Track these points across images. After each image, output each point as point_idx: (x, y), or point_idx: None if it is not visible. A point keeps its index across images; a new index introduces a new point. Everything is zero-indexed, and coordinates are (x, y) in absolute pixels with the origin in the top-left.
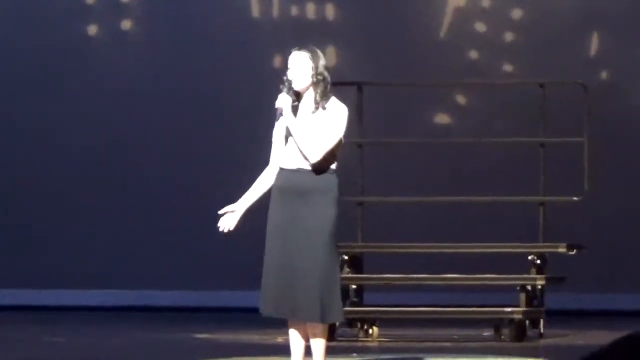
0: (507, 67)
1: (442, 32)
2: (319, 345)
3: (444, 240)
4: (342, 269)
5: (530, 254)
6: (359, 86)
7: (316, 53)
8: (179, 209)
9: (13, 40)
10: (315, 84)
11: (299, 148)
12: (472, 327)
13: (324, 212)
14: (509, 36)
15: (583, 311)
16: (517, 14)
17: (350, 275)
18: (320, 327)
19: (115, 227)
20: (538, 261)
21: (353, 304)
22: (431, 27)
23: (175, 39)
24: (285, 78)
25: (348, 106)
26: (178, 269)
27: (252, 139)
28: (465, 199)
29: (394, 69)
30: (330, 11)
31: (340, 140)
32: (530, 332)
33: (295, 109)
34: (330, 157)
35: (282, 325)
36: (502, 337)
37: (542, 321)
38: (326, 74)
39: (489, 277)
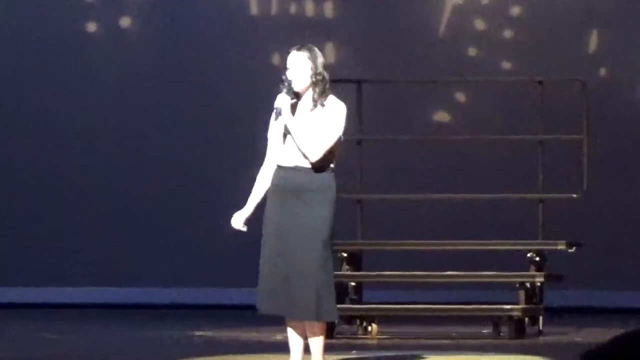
0: (506, 64)
1: (441, 29)
2: (317, 343)
3: (443, 238)
4: (341, 266)
5: (530, 251)
6: (358, 83)
7: (315, 52)
8: (178, 206)
9: (12, 37)
10: (314, 84)
11: (298, 147)
12: (471, 324)
13: (321, 211)
14: (507, 33)
15: (582, 308)
16: (515, 11)
17: (349, 272)
18: (318, 325)
19: (115, 224)
20: (537, 258)
21: (352, 302)
22: (430, 24)
23: (174, 36)
24: (284, 78)
25: (347, 103)
26: (177, 266)
27: (251, 137)
28: (464, 197)
29: (392, 66)
30: (328, 8)
31: (340, 139)
32: (529, 330)
33: (293, 108)
34: (329, 155)
35: (280, 322)
36: (501, 334)
37: (541, 318)
38: (325, 73)
39: (488, 275)
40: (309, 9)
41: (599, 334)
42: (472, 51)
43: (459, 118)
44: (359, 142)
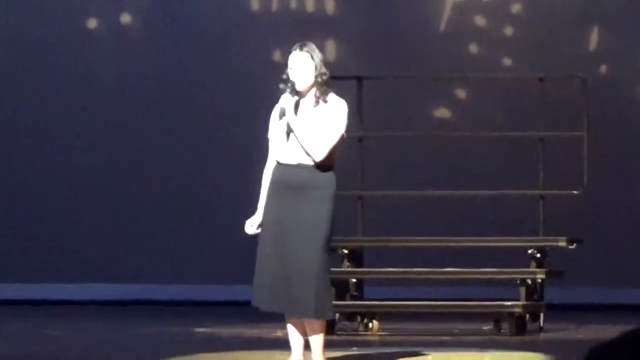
0: (507, 61)
1: (442, 26)
2: (317, 340)
3: (444, 234)
4: (342, 263)
5: (530, 247)
6: (359, 80)
7: (315, 51)
8: (178, 204)
9: (12, 34)
10: (317, 83)
11: (303, 147)
12: (472, 321)
13: (321, 209)
14: (508, 30)
15: (583, 305)
16: (516, 7)
17: (350, 269)
18: (318, 323)
19: (115, 221)
20: (538, 255)
21: (353, 298)
22: (431, 21)
23: (174, 32)
24: (285, 77)
25: (348, 100)
26: (177, 263)
27: (252, 134)
28: (465, 193)
29: (393, 63)
30: (329, 5)
31: (343, 136)
32: (530, 326)
33: (296, 107)
34: (331, 153)
35: (281, 319)
36: (502, 331)
37: (542, 315)
38: (325, 70)
39: (489, 271)
40: (310, 5)
41: (600, 331)
42: (472, 48)
43: (460, 115)
44: (360, 139)
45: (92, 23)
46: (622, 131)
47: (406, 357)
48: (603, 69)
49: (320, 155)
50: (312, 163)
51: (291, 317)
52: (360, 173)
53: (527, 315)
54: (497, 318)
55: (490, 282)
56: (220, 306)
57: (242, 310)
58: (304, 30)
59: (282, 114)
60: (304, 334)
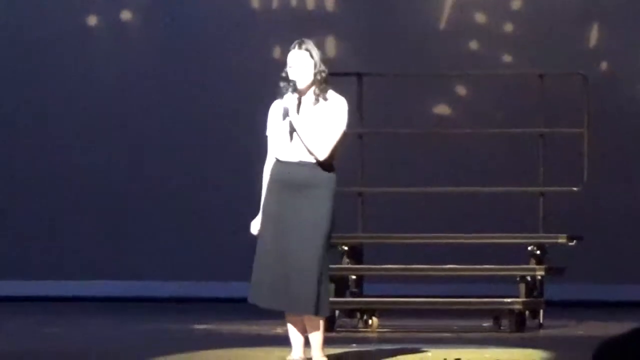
0: (507, 58)
1: (442, 23)
2: (317, 337)
3: (444, 231)
4: (341, 259)
5: (530, 244)
6: (359, 77)
7: (314, 49)
8: (178, 202)
9: (12, 31)
10: (317, 80)
11: (306, 147)
12: (471, 317)
13: (321, 206)
14: (508, 27)
15: (583, 302)
16: (516, 4)
17: (350, 265)
18: (318, 320)
19: (115, 219)
20: (538, 252)
21: (353, 295)
22: (431, 18)
23: (174, 31)
24: (284, 75)
25: (348, 97)
26: (177, 260)
27: (252, 131)
28: (465, 190)
29: (393, 60)
30: (329, 1)
31: (344, 134)
32: (529, 323)
33: (298, 106)
34: (333, 151)
35: (280, 316)
36: (502, 327)
37: (541, 312)
38: (324, 67)
39: (488, 268)
40: (310, 3)
41: (600, 328)
42: (473, 45)
43: (460, 111)
44: (360, 136)
45: (92, 21)
46: (622, 128)
47: (406, 354)
48: (603, 65)
49: (323, 154)
50: (313, 160)
51: (291, 315)
52: (361, 170)
53: (527, 312)
54: (496, 315)
55: (490, 279)
56: (219, 303)
57: (242, 308)
58: (304, 27)
59: (286, 114)
60: (304, 332)
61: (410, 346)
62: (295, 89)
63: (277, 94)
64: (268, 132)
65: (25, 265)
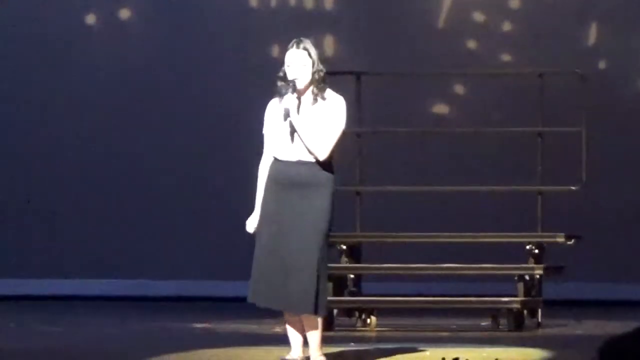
0: (506, 57)
1: (441, 22)
2: (315, 335)
3: (442, 230)
4: (340, 258)
5: (529, 243)
6: (358, 76)
7: (312, 48)
8: (178, 199)
9: (11, 30)
10: (315, 80)
11: (307, 148)
12: (470, 316)
13: (320, 204)
14: (507, 26)
15: (581, 301)
16: (515, 3)
17: (348, 264)
18: (316, 319)
19: (115, 218)
20: (536, 251)
21: (351, 294)
22: (429, 17)
23: (173, 28)
24: (282, 74)
25: (346, 96)
26: (177, 259)
27: (252, 130)
28: (463, 189)
29: (392, 59)
30: (328, 1)
31: (342, 133)
32: (528, 322)
33: (297, 106)
34: (332, 151)
35: (280, 315)
36: (500, 326)
37: (540, 311)
38: (322, 66)
39: (487, 267)
40: (309, 2)
41: (598, 327)
42: (471, 44)
43: (458, 111)
44: (358, 135)
45: (90, 19)
46: (620, 127)
47: (404, 353)
48: (602, 64)
49: (324, 154)
50: (312, 160)
51: (289, 314)
52: (359, 169)
53: (525, 311)
54: (495, 314)
55: (488, 278)
56: (219, 302)
57: (241, 306)
58: (302, 26)
59: (287, 114)
60: (303, 331)
61: (408, 345)
62: (294, 89)
63: (275, 92)
64: (265, 131)
65: (25, 265)
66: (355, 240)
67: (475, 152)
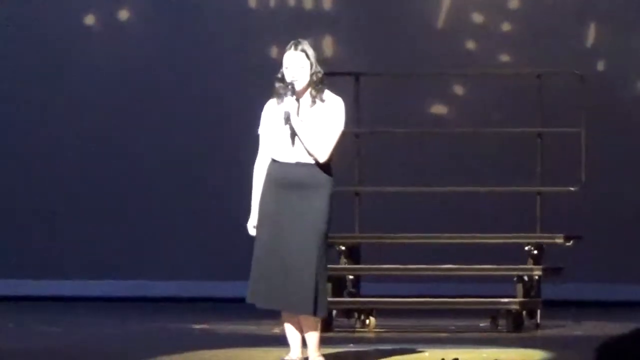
0: (504, 58)
1: (440, 23)
2: (313, 336)
3: (441, 231)
4: (339, 259)
5: (528, 244)
6: (356, 76)
7: (310, 50)
8: (178, 199)
9: (10, 31)
10: (313, 81)
11: (307, 150)
12: (469, 317)
13: (319, 205)
14: (506, 26)
15: (580, 302)
16: (514, 4)
17: (347, 265)
18: (314, 319)
19: (115, 217)
20: (535, 252)
21: (350, 295)
22: (428, 17)
23: (173, 28)
24: (280, 76)
25: (345, 96)
26: (176, 259)
27: (251, 130)
28: (463, 189)
29: (391, 59)
30: (327, 1)
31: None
32: (527, 323)
33: (297, 109)
34: (332, 152)
35: (278, 316)
36: (499, 327)
37: (539, 312)
38: (319, 68)
39: (486, 268)
40: (308, 2)
41: (597, 328)
42: (470, 44)
43: (457, 111)
44: (357, 135)
45: (90, 20)
46: (619, 127)
47: (403, 353)
48: (601, 65)
49: (324, 156)
50: (311, 161)
51: (288, 315)
52: (357, 169)
53: (524, 312)
54: (494, 315)
55: (487, 279)
56: (218, 303)
57: (241, 307)
58: (301, 27)
59: (287, 118)
60: (301, 331)
61: (407, 346)
62: (293, 92)
63: (273, 93)
64: (261, 131)
65: (25, 265)
66: (354, 241)
67: (475, 153)
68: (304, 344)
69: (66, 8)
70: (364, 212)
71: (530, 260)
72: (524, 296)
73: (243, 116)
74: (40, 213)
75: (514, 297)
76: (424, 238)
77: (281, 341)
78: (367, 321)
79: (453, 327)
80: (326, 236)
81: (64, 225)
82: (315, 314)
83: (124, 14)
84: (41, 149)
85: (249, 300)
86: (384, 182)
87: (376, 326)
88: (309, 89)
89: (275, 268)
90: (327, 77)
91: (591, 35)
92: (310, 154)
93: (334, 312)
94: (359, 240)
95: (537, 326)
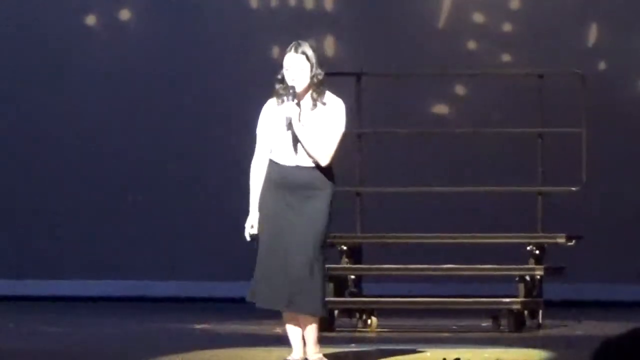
0: (506, 58)
1: (441, 22)
2: (311, 335)
3: (443, 231)
4: (340, 259)
5: (529, 244)
6: (358, 76)
7: (310, 51)
8: (178, 201)
9: (10, 31)
10: (313, 84)
11: (309, 154)
12: (470, 317)
13: (320, 207)
14: (507, 26)
15: (582, 301)
16: (515, 4)
17: (349, 265)
18: (313, 319)
19: (114, 217)
20: (537, 251)
21: (352, 295)
22: (430, 17)
23: (173, 29)
24: (280, 77)
25: (346, 96)
26: (176, 259)
27: (251, 131)
28: (464, 189)
29: (392, 59)
30: (328, 1)
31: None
32: (528, 323)
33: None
34: (334, 154)
35: (279, 316)
36: (501, 327)
37: (540, 311)
38: (320, 70)
39: (487, 268)
40: (309, 2)
41: (599, 327)
42: (471, 44)
43: (459, 111)
44: (359, 136)
45: (90, 20)
46: (620, 128)
47: (405, 353)
48: (602, 65)
49: (326, 160)
50: (312, 164)
51: (289, 315)
52: (359, 169)
53: (526, 312)
54: (495, 315)
55: (489, 279)
56: (219, 303)
57: (242, 307)
58: (303, 27)
59: (289, 125)
60: (303, 331)
61: (409, 346)
62: (294, 96)
63: (273, 94)
64: (259, 131)
65: (25, 265)
66: (355, 241)
67: (476, 153)
68: (305, 343)
69: (66, 8)
70: (365, 212)
71: (532, 260)
72: (526, 296)
73: (243, 116)
74: (40, 213)
75: (516, 297)
76: (425, 238)
77: (282, 341)
78: (369, 321)
79: (454, 327)
80: (325, 236)
81: (64, 225)
82: (313, 313)
83: (124, 14)
84: (41, 149)
85: (248, 299)
86: (386, 182)
87: (378, 326)
88: (310, 92)
89: (276, 268)
90: (328, 77)
91: (592, 35)
92: (312, 158)
93: (336, 312)
94: (360, 240)
95: (539, 326)
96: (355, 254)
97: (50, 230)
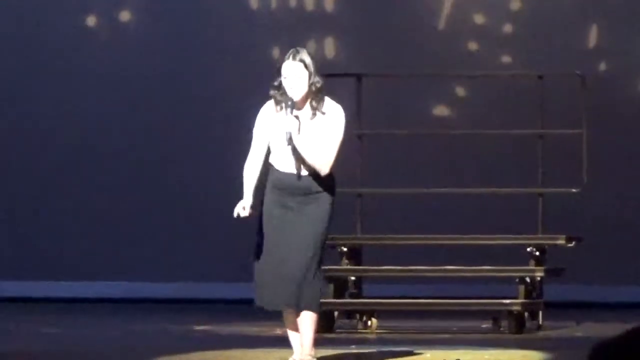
0: (506, 59)
1: (441, 23)
2: (309, 335)
3: (443, 232)
4: (341, 260)
5: (529, 245)
6: (358, 77)
7: (308, 59)
8: (178, 202)
9: (10, 31)
10: (311, 92)
11: (310, 165)
12: (471, 319)
13: (321, 209)
14: (507, 27)
15: (582, 303)
16: (515, 5)
17: (349, 266)
18: (311, 319)
19: (115, 218)
20: (537, 253)
21: (352, 296)
22: (430, 18)
23: (173, 30)
24: (276, 84)
25: (347, 98)
26: (177, 260)
27: (250, 131)
28: (464, 191)
29: (393, 60)
30: (329, 2)
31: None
32: (529, 324)
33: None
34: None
35: (279, 317)
36: (501, 329)
37: (541, 313)
38: (319, 77)
39: (487, 269)
40: (309, 3)
41: (599, 329)
42: (472, 45)
43: (459, 112)
44: (359, 137)
45: (91, 21)
46: (621, 129)
47: (405, 355)
48: (602, 66)
49: (326, 169)
50: (312, 172)
51: (291, 316)
52: (359, 171)
53: (526, 313)
54: (496, 316)
55: (489, 280)
56: (219, 304)
57: (242, 308)
58: (303, 28)
59: (290, 140)
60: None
61: (409, 347)
62: (293, 108)
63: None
64: (255, 132)
65: (25, 265)
66: (356, 242)
67: (476, 154)
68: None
69: (66, 9)
70: (365, 213)
71: (532, 262)
72: (526, 297)
73: (243, 116)
74: (41, 213)
75: (516, 298)
76: (425, 239)
77: (283, 342)
78: (369, 322)
79: (455, 329)
80: (325, 237)
81: (64, 225)
82: (300, 308)
83: (124, 15)
84: (41, 149)
85: (258, 304)
86: (386, 184)
87: (378, 327)
88: (309, 100)
89: (276, 269)
90: (328, 79)
91: (593, 36)
92: (313, 168)
93: (336, 313)
94: (360, 242)
95: (539, 327)
96: (355, 255)
97: (50, 230)
